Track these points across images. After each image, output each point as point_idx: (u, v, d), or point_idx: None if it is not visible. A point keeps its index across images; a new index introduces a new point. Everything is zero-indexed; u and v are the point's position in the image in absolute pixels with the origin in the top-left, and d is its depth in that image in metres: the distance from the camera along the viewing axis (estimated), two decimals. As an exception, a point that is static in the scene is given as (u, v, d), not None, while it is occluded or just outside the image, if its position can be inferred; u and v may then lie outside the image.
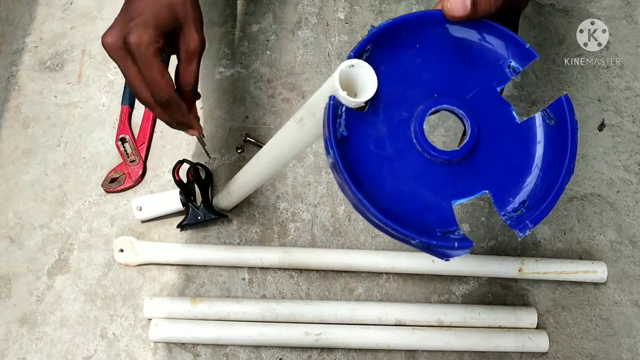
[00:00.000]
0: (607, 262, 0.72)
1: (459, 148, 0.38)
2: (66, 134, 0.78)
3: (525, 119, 0.40)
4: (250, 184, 0.61)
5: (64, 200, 0.74)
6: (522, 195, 0.39)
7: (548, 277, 0.71)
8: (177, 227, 0.72)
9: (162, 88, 0.52)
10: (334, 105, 0.35)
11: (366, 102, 0.37)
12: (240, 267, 0.72)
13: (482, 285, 0.72)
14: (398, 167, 0.38)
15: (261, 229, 0.74)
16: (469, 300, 0.72)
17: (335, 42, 0.84)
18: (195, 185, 0.74)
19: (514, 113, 0.40)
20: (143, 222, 0.73)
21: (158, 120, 0.79)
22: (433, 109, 0.38)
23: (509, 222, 0.38)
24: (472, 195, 0.39)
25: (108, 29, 0.52)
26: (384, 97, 0.38)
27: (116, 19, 0.53)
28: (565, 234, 0.75)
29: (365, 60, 0.36)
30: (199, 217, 0.71)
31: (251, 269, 0.72)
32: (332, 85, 0.35)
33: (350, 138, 0.36)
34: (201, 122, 0.76)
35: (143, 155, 0.76)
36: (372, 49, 0.38)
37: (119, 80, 0.81)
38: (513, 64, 0.40)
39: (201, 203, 0.72)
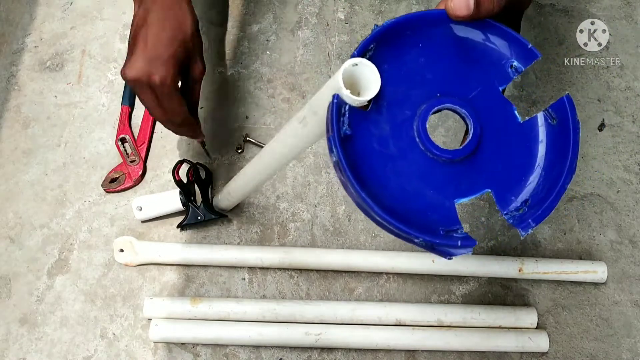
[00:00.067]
0: (607, 262, 0.72)
1: (461, 147, 0.38)
2: (66, 134, 0.78)
3: (527, 118, 0.40)
4: (250, 184, 0.61)
5: (64, 200, 0.74)
6: (524, 194, 0.39)
7: (548, 277, 0.71)
8: (177, 227, 0.72)
9: (179, 115, 0.60)
10: (337, 103, 0.35)
11: (369, 101, 0.37)
12: (240, 267, 0.72)
13: (482, 285, 0.72)
14: (401, 166, 0.38)
15: (261, 229, 0.74)
16: (469, 300, 0.72)
17: (335, 42, 0.84)
18: (195, 185, 0.74)
19: (516, 112, 0.40)
20: (143, 222, 0.73)
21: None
22: (436, 108, 0.39)
23: (511, 221, 0.38)
24: (474, 194, 0.39)
25: (129, 62, 0.55)
26: (387, 96, 0.38)
27: (136, 51, 0.55)
28: (565, 234, 0.75)
29: (369, 59, 0.36)
30: (199, 217, 0.71)
31: (251, 269, 0.72)
32: (335, 84, 0.35)
33: (354, 137, 0.37)
34: (201, 122, 0.77)
35: (143, 155, 0.76)
36: (376, 48, 0.38)
37: (119, 80, 0.81)
38: (515, 63, 0.40)
39: (201, 203, 0.72)
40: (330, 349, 0.68)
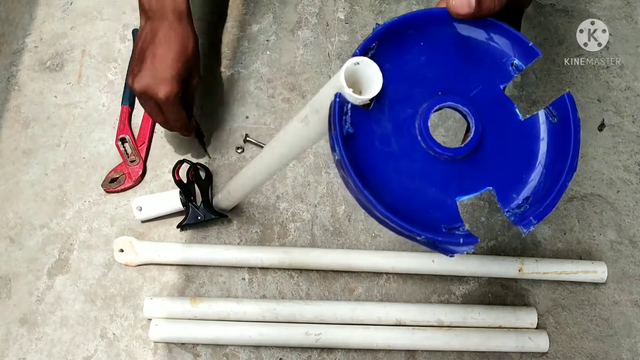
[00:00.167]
0: (607, 262, 0.72)
1: (463, 145, 0.38)
2: (66, 134, 0.78)
3: (528, 116, 0.41)
4: (250, 184, 0.61)
5: (64, 200, 0.74)
6: (525, 192, 0.39)
7: (548, 277, 0.71)
8: (177, 227, 0.72)
9: (179, 121, 0.67)
10: (339, 102, 0.35)
11: (371, 100, 0.37)
12: (240, 267, 0.72)
13: (482, 285, 0.72)
14: (403, 164, 0.38)
15: (261, 229, 0.74)
16: (469, 300, 0.72)
17: (335, 42, 0.85)
18: (195, 185, 0.73)
19: (517, 110, 0.40)
20: (143, 222, 0.73)
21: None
22: (437, 106, 0.39)
23: (512, 218, 0.38)
24: (476, 192, 0.39)
25: (137, 76, 0.62)
26: (389, 94, 0.38)
27: (144, 67, 0.62)
28: (565, 234, 0.75)
29: (371, 57, 0.36)
30: (199, 217, 0.71)
31: (251, 269, 0.72)
32: (337, 83, 0.35)
33: (356, 135, 0.37)
34: (201, 123, 0.77)
35: (143, 155, 0.76)
36: (378, 46, 0.38)
37: (119, 80, 0.81)
38: (516, 61, 0.40)
39: (201, 203, 0.72)
40: (330, 349, 0.68)
